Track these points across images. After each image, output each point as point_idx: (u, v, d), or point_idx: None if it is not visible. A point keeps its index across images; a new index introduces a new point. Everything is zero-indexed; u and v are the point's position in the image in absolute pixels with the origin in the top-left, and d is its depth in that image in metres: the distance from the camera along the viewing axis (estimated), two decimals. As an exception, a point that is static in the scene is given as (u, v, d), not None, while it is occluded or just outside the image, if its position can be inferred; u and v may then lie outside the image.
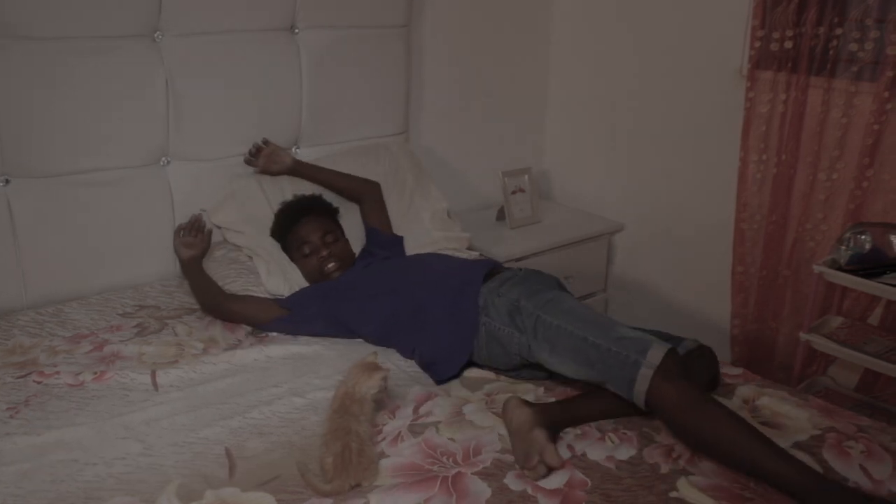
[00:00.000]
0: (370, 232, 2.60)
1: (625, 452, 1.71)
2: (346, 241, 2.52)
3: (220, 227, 2.58)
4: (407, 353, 2.13)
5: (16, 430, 1.73)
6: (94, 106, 2.34)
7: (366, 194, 2.66)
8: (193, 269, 2.40)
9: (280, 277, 2.39)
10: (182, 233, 2.47)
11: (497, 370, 2.06)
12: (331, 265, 2.41)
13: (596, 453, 1.70)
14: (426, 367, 2.05)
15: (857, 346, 2.48)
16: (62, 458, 1.65)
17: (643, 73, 3.22)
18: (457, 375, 2.03)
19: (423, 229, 2.73)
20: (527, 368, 2.01)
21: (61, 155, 2.32)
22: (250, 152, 2.63)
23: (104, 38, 2.32)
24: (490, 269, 2.20)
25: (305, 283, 2.42)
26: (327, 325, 2.23)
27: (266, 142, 2.65)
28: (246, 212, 2.56)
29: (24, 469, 1.60)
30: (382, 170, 2.79)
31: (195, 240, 2.45)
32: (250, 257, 2.49)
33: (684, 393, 1.66)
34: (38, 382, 1.93)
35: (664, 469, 1.66)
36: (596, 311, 1.94)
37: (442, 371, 2.02)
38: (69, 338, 2.16)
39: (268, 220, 2.55)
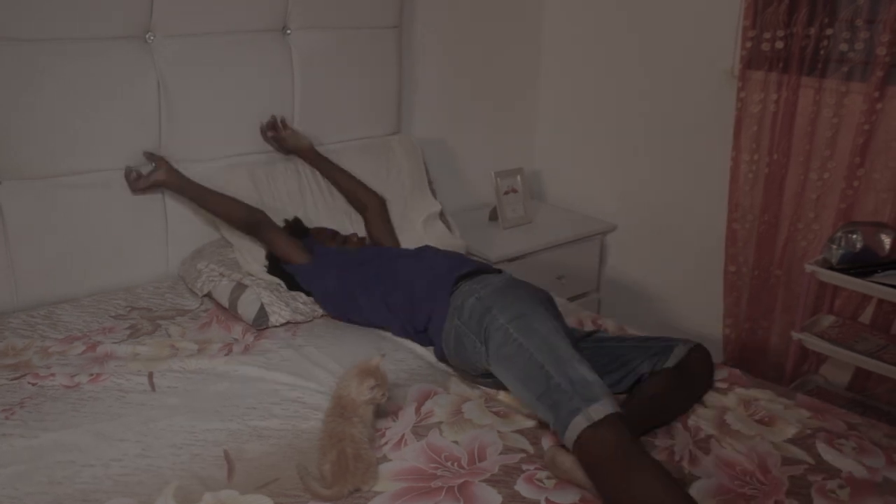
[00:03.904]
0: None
1: None
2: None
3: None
4: (399, 330, 2.19)
5: (11, 432, 1.71)
6: (86, 107, 2.33)
7: (369, 207, 2.68)
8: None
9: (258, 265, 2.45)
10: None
11: (464, 373, 2.01)
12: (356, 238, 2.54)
13: None
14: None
15: (849, 345, 2.50)
16: (59, 459, 1.63)
17: (635, 73, 3.23)
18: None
19: (415, 234, 2.74)
20: (492, 377, 1.91)
21: (52, 156, 2.31)
22: (269, 125, 2.67)
23: (95, 39, 2.30)
24: (477, 268, 2.15)
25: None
26: (339, 285, 2.28)
27: (284, 124, 2.71)
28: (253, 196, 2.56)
29: (21, 471, 1.59)
30: (383, 169, 2.82)
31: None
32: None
33: (612, 449, 1.52)
34: (33, 384, 1.91)
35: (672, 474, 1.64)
36: (567, 341, 1.75)
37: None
38: (61, 339, 2.14)
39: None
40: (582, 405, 1.57)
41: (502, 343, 1.78)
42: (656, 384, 1.89)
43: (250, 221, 2.41)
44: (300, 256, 2.37)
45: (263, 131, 2.68)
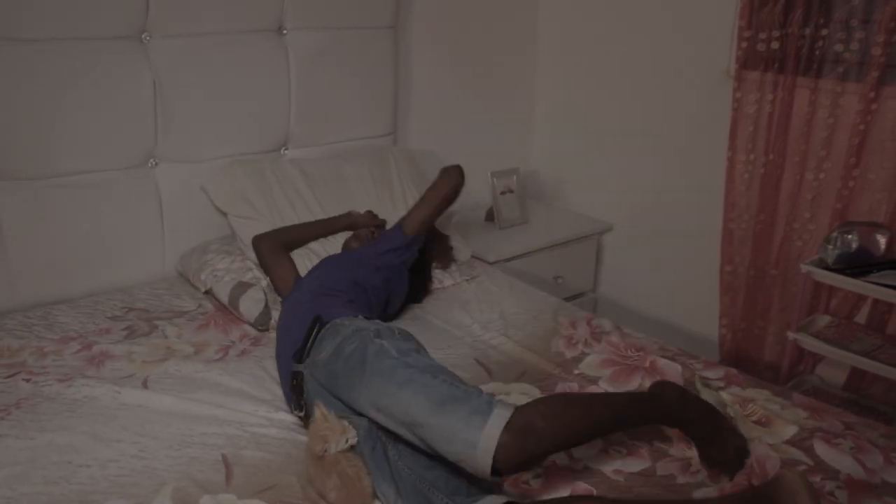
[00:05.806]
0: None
1: (635, 465, 1.68)
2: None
3: (226, 214, 2.57)
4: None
5: (7, 432, 1.71)
6: (82, 108, 2.32)
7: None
8: None
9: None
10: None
11: None
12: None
13: (600, 464, 1.67)
14: None
15: (845, 345, 2.50)
16: (55, 460, 1.63)
17: (631, 74, 3.24)
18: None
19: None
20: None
21: (48, 157, 2.31)
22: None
23: (91, 39, 2.30)
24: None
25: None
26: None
27: None
28: (254, 196, 2.57)
29: (17, 472, 1.59)
30: (395, 176, 2.85)
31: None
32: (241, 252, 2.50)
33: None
34: (27, 381, 1.91)
35: (680, 480, 1.64)
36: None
37: None
38: (57, 339, 2.14)
39: (276, 205, 2.57)
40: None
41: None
42: None
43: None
44: (284, 284, 2.31)
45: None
